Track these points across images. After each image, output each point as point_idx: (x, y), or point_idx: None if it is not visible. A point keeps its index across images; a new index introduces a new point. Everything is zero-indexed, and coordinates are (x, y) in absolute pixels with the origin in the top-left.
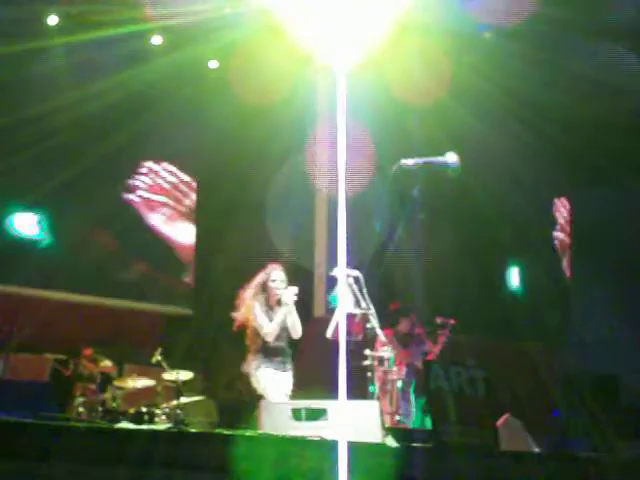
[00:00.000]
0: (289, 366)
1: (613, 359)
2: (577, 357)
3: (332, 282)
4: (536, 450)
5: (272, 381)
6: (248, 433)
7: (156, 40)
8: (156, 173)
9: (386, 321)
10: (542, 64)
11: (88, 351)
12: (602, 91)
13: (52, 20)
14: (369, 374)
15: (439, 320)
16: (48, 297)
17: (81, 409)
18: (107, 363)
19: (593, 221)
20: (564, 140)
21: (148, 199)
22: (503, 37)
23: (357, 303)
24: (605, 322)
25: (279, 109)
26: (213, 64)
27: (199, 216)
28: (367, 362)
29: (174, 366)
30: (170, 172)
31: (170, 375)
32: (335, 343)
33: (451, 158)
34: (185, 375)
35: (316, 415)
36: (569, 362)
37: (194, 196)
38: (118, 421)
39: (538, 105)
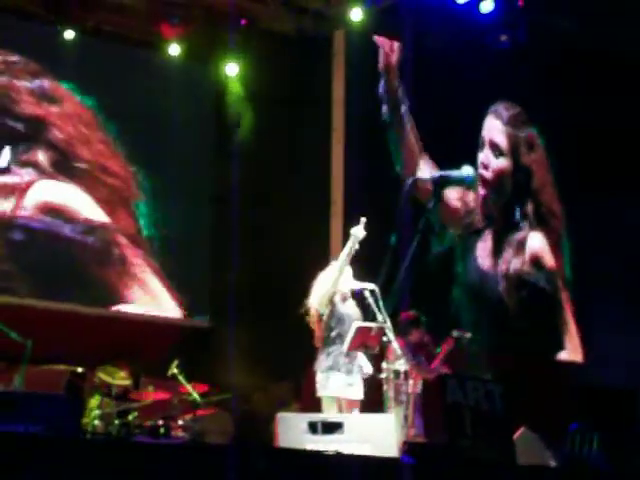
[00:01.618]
0: (357, 376)
1: (630, 373)
2: (594, 371)
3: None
4: (553, 464)
5: (341, 387)
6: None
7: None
8: None
9: (397, 332)
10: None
11: (124, 367)
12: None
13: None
14: (385, 387)
15: (455, 333)
16: (64, 309)
17: (97, 422)
18: (123, 376)
19: (604, 231)
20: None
21: None
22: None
23: (373, 316)
24: (622, 335)
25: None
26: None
27: (218, 228)
28: (383, 375)
29: (190, 379)
30: None
31: (186, 388)
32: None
33: (467, 171)
34: (201, 387)
35: (332, 429)
36: (586, 376)
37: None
38: (134, 434)
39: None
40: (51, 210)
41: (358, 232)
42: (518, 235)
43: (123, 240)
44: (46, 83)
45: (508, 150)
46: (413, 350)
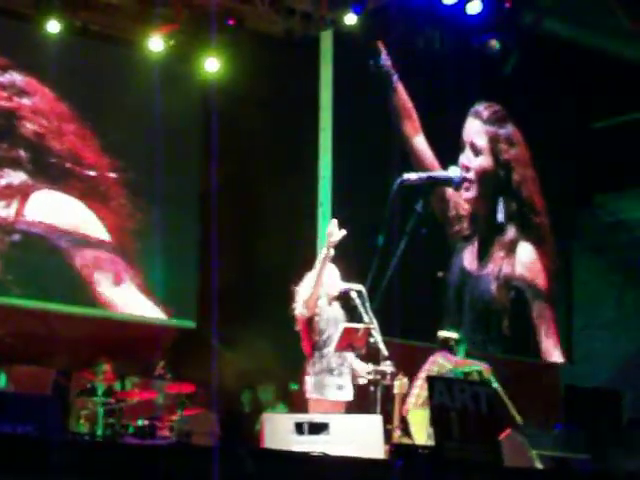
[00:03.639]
0: (347, 378)
1: (616, 374)
2: (580, 372)
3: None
4: (539, 466)
5: (332, 390)
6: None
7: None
8: None
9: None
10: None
11: (106, 365)
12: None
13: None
14: (372, 388)
15: (441, 335)
16: (50, 309)
17: (83, 423)
18: (110, 376)
19: (596, 231)
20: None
21: None
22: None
23: (360, 317)
24: (608, 336)
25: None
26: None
27: (205, 229)
28: (370, 376)
29: (177, 379)
30: None
31: (172, 388)
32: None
33: (454, 172)
34: (187, 388)
35: (318, 429)
36: (571, 377)
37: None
38: (120, 435)
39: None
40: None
41: (332, 235)
42: (507, 236)
43: (105, 255)
44: (18, 77)
45: (488, 148)
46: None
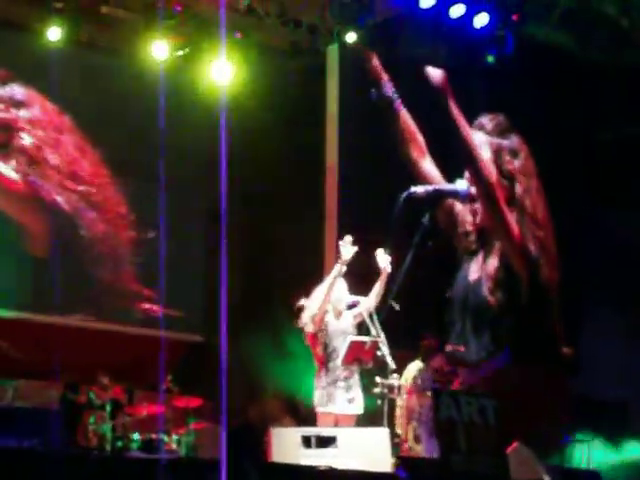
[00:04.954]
0: (356, 390)
1: (622, 385)
2: (586, 382)
3: None
4: (547, 478)
5: (341, 404)
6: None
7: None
8: None
9: (420, 357)
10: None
11: (105, 379)
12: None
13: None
14: (379, 402)
15: (449, 347)
16: (57, 323)
17: (91, 436)
18: (117, 390)
19: (603, 242)
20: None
21: None
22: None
23: (367, 331)
24: (614, 347)
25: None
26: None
27: (211, 242)
28: (377, 389)
29: (184, 392)
30: None
31: (179, 402)
32: None
33: (461, 185)
34: (194, 402)
35: (326, 443)
36: (578, 387)
37: None
38: (128, 449)
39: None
40: None
41: (345, 252)
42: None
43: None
44: (16, 89)
45: (492, 160)
46: (432, 376)
